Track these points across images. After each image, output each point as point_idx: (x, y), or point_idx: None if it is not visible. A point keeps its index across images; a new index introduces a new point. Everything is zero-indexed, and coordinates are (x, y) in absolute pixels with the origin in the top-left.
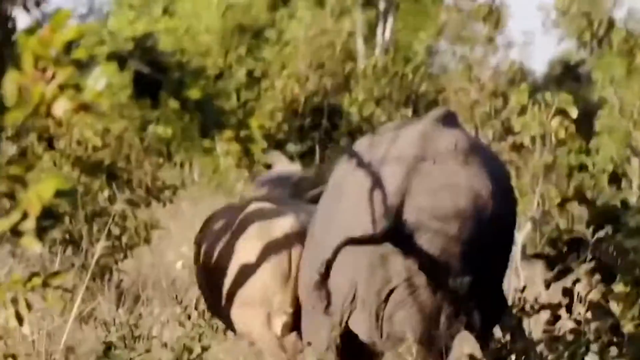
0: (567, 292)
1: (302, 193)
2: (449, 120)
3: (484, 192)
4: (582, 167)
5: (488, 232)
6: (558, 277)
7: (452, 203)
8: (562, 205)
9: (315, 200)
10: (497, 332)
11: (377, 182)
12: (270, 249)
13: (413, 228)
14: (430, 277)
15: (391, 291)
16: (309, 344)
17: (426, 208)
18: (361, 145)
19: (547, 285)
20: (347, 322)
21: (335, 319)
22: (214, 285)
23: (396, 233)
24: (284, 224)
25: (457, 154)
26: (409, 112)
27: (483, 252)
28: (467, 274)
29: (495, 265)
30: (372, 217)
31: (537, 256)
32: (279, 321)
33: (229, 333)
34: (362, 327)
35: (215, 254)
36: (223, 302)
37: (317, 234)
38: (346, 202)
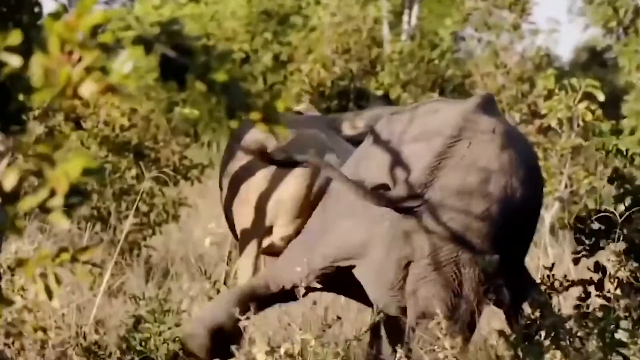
0: (597, 269)
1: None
2: (489, 105)
3: (515, 179)
4: (618, 151)
5: (516, 216)
6: (592, 253)
7: (482, 185)
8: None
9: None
10: (527, 308)
11: (406, 158)
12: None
13: (438, 205)
14: (455, 254)
15: (408, 264)
16: (339, 318)
17: (454, 186)
18: (393, 120)
19: (576, 261)
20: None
21: (325, 258)
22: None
23: (420, 208)
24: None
25: (494, 139)
26: (436, 96)
27: (510, 233)
28: (493, 253)
29: (521, 245)
30: (397, 189)
31: (575, 228)
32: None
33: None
34: (372, 292)
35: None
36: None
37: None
38: (372, 171)
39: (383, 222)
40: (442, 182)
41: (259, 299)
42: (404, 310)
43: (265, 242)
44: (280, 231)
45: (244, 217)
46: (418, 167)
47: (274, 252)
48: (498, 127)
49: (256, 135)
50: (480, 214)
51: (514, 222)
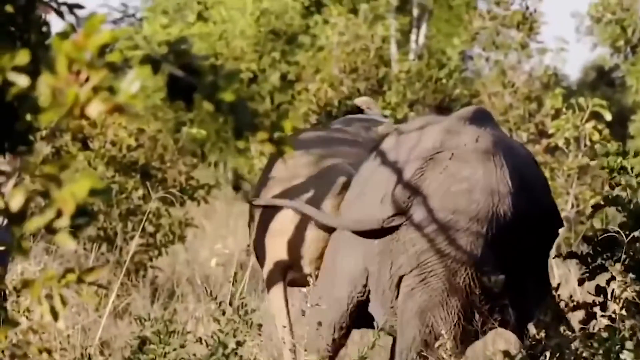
0: (601, 290)
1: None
2: (481, 118)
3: (502, 190)
4: (622, 169)
5: (509, 229)
6: (592, 276)
7: (465, 197)
8: (595, 209)
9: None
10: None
11: (393, 175)
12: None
13: (423, 217)
14: (443, 264)
15: (401, 278)
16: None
17: (437, 197)
18: (389, 141)
19: (581, 282)
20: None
21: (341, 304)
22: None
23: (406, 222)
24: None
25: (477, 151)
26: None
27: (503, 248)
28: (484, 268)
29: (524, 262)
30: (382, 208)
31: (571, 255)
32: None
33: (264, 328)
34: (377, 314)
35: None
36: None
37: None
38: (363, 197)
39: (373, 245)
40: (425, 194)
41: None
42: None
43: (291, 275)
44: (304, 268)
45: (273, 248)
46: (401, 183)
47: (297, 284)
48: (483, 136)
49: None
50: (466, 223)
51: (505, 232)
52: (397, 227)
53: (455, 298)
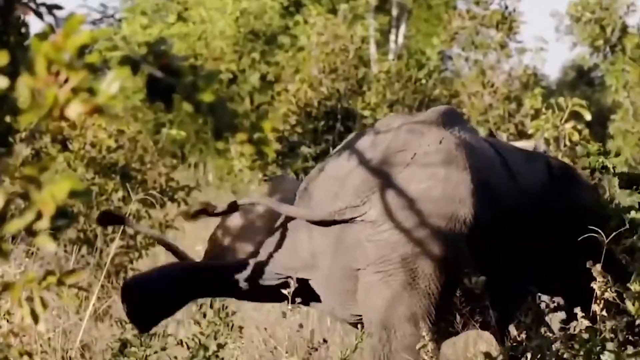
0: None
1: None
2: (450, 118)
3: (461, 192)
4: (603, 168)
5: (472, 231)
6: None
7: (423, 198)
8: None
9: None
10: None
11: (354, 171)
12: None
13: (379, 216)
14: (405, 260)
15: (356, 272)
16: (325, 341)
17: (396, 195)
18: (360, 138)
19: None
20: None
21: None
22: None
23: (364, 217)
24: None
25: (439, 152)
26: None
27: (472, 248)
28: (445, 268)
29: (500, 263)
30: (336, 201)
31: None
32: None
33: (245, 331)
34: (325, 300)
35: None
36: None
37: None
38: (322, 189)
39: (330, 234)
40: (384, 191)
41: None
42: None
43: None
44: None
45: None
46: (361, 179)
47: None
48: (447, 138)
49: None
50: (423, 223)
51: (470, 233)
52: (351, 221)
53: (417, 298)
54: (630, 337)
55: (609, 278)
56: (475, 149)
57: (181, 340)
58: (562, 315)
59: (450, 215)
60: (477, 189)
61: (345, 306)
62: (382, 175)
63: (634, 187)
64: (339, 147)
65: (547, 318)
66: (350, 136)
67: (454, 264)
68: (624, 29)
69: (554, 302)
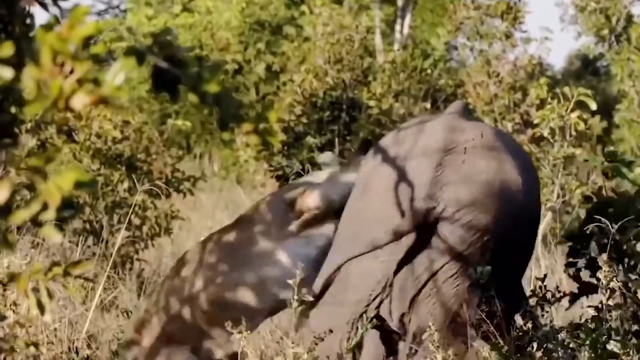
0: (582, 284)
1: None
2: (467, 112)
3: (511, 184)
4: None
5: (514, 224)
6: (579, 266)
7: (482, 195)
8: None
9: None
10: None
11: (403, 177)
12: None
13: (441, 220)
14: (455, 269)
15: (425, 283)
16: (331, 331)
17: (454, 200)
18: (386, 141)
19: (568, 272)
20: (371, 311)
21: (356, 308)
22: None
23: (426, 226)
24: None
25: (484, 146)
26: (428, 105)
27: (508, 243)
28: (490, 264)
29: (518, 256)
30: (401, 213)
31: (563, 241)
32: None
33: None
34: (394, 316)
35: None
36: None
37: (344, 229)
38: (373, 199)
39: (395, 248)
40: (444, 197)
41: None
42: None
43: None
44: None
45: None
46: (418, 190)
47: None
48: (485, 133)
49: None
50: (486, 215)
51: (513, 224)
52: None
53: (475, 293)
54: (637, 327)
55: (615, 267)
56: (508, 140)
57: None
58: (566, 304)
59: (511, 200)
60: (522, 174)
61: (407, 316)
62: (438, 180)
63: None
64: (374, 151)
65: (553, 307)
66: (384, 138)
67: (523, 247)
68: (629, 18)
69: (559, 291)
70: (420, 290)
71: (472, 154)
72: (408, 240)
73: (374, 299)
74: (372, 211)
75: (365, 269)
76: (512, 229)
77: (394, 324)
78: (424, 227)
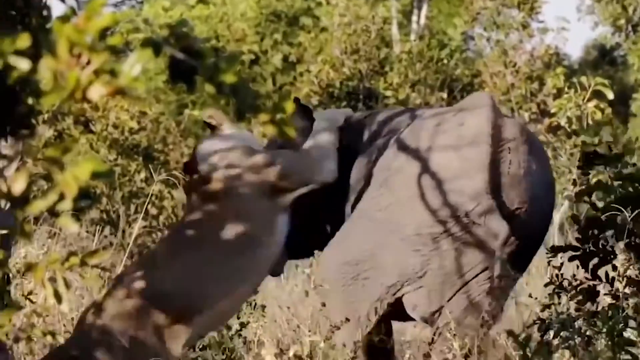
0: (595, 275)
1: None
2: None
3: (547, 179)
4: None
5: (544, 217)
6: (594, 255)
7: (529, 191)
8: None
9: None
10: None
11: (460, 169)
12: None
13: (497, 214)
14: (505, 264)
15: (469, 280)
16: (347, 320)
17: (509, 195)
18: (412, 132)
19: (572, 258)
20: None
21: (381, 293)
22: None
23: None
24: None
25: (524, 141)
26: (444, 95)
27: (538, 238)
28: (522, 259)
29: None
30: (467, 200)
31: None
32: None
33: (268, 310)
34: (420, 304)
35: None
36: None
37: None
38: (410, 192)
39: (439, 242)
40: (500, 192)
41: None
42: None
43: None
44: None
45: None
46: (474, 183)
47: None
48: (523, 129)
49: None
50: (536, 210)
51: (543, 218)
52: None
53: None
54: None
55: (632, 255)
56: (534, 135)
57: None
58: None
59: (541, 206)
60: (548, 173)
61: (438, 306)
62: (495, 175)
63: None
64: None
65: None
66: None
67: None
68: None
69: (576, 279)
70: (461, 287)
71: (516, 151)
72: (450, 237)
73: (400, 289)
74: (412, 204)
75: (402, 258)
76: (542, 228)
77: (417, 314)
78: (473, 224)
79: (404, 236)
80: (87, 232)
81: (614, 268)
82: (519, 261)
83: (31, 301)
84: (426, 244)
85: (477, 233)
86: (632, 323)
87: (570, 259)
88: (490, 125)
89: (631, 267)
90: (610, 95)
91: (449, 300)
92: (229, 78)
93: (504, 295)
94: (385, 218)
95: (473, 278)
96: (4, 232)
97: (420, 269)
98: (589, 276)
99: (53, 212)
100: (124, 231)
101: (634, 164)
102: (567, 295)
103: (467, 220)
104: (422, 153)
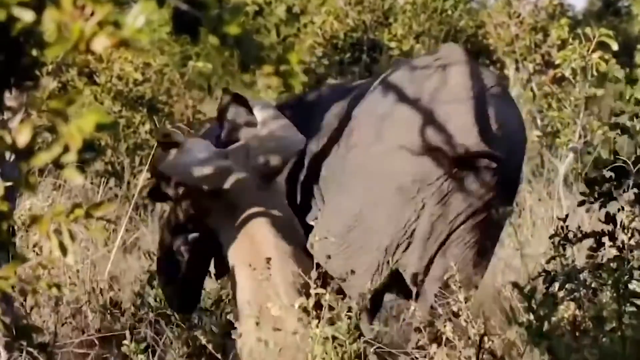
0: (610, 220)
1: None
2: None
3: (523, 125)
4: (634, 99)
5: (521, 154)
6: (600, 205)
7: (511, 137)
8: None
9: None
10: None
11: (435, 118)
12: None
13: (483, 164)
14: (485, 211)
15: (457, 226)
16: (352, 272)
17: (495, 142)
18: (400, 79)
19: (588, 210)
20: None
21: (381, 255)
22: None
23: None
24: None
25: (500, 90)
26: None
27: (516, 176)
28: (507, 196)
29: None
30: (443, 154)
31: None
32: None
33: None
34: (413, 263)
35: None
36: None
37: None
38: (401, 141)
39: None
40: (495, 131)
41: None
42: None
43: None
44: None
45: None
46: (465, 133)
47: None
48: (497, 78)
49: None
50: (516, 158)
51: (519, 160)
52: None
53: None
54: None
55: (638, 208)
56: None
57: (209, 272)
58: (588, 244)
59: (521, 153)
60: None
61: (428, 262)
62: (482, 121)
63: None
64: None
65: (574, 248)
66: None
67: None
68: None
69: (581, 231)
70: (450, 235)
71: (495, 99)
72: (442, 185)
73: (398, 245)
74: (402, 154)
75: (392, 214)
76: (519, 166)
77: (415, 268)
78: (462, 170)
79: (399, 184)
80: (92, 184)
81: (615, 221)
82: (505, 198)
83: (36, 253)
84: (422, 191)
85: (467, 179)
86: (637, 275)
87: (587, 210)
88: (470, 76)
89: (636, 218)
90: (615, 46)
91: (437, 251)
92: (233, 29)
93: (498, 231)
94: (377, 168)
95: (461, 224)
96: (9, 184)
97: (412, 222)
98: (596, 228)
99: (58, 164)
100: (128, 183)
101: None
102: (572, 247)
103: (458, 166)
104: (410, 102)
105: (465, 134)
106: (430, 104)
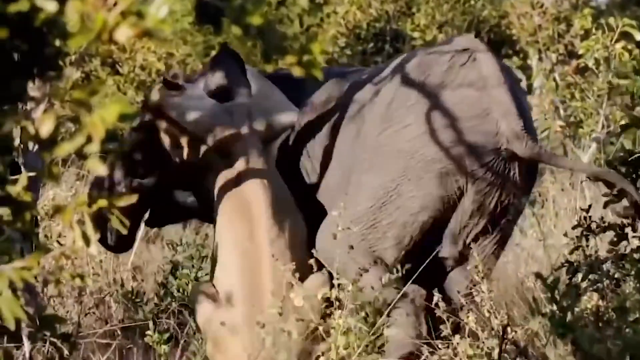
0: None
1: None
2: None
3: (527, 104)
4: None
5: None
6: (622, 197)
7: (532, 125)
8: (625, 128)
9: None
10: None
11: (489, 105)
12: None
13: (513, 154)
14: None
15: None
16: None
17: (531, 130)
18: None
19: (605, 204)
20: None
21: (411, 230)
22: None
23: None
24: None
25: (513, 79)
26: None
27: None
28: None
29: None
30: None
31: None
32: None
33: None
34: (446, 248)
35: None
36: None
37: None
38: (418, 129)
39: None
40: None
41: None
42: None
43: None
44: None
45: None
46: (509, 115)
47: None
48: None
49: None
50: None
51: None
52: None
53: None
54: None
55: None
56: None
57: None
58: (611, 235)
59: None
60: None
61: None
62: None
63: None
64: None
65: (597, 238)
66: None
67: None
68: None
69: (604, 221)
70: (486, 224)
71: (519, 88)
72: (484, 173)
73: (432, 225)
74: (445, 137)
75: (429, 193)
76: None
77: (447, 253)
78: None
79: (440, 168)
80: None
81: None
82: (526, 187)
83: (59, 243)
84: (456, 180)
85: (506, 169)
86: None
87: (605, 205)
88: (498, 66)
89: None
90: (638, 37)
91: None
92: (256, 20)
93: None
94: (418, 150)
95: (496, 214)
96: (32, 174)
97: (433, 212)
98: (617, 219)
99: (81, 154)
100: None
101: None
102: (595, 238)
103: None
104: (428, 88)
105: (510, 122)
106: (469, 91)
